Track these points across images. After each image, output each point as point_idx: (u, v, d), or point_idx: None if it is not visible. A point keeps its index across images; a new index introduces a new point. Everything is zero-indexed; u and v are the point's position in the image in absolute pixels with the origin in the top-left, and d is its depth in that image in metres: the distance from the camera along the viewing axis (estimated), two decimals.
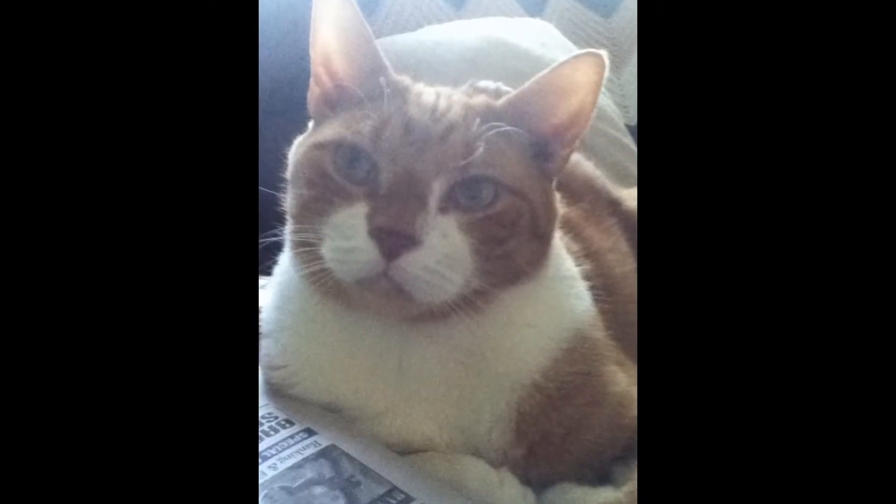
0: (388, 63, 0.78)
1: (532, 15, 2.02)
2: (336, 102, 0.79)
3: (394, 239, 0.66)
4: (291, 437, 0.74)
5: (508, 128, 0.73)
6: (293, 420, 0.76)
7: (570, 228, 0.94)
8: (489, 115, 0.74)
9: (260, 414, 0.77)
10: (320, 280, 0.71)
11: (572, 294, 0.84)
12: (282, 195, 0.79)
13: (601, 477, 0.79)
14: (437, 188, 0.69)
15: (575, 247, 0.92)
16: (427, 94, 0.78)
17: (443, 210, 0.69)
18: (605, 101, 1.81)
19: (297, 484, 0.67)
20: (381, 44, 0.79)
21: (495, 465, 0.78)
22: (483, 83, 0.97)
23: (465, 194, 0.70)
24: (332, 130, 0.75)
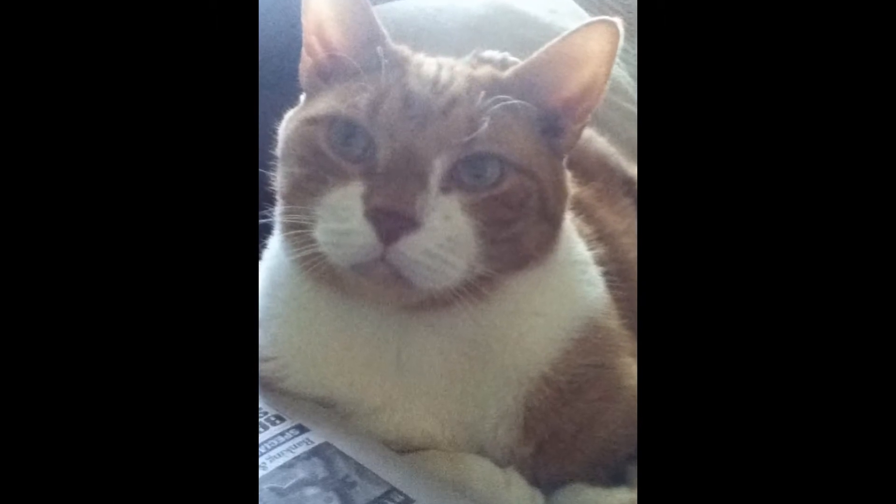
0: (385, 31, 0.78)
1: None
2: (330, 74, 0.78)
3: (392, 221, 0.65)
4: (282, 433, 0.73)
5: (515, 101, 0.72)
6: (283, 416, 0.76)
7: (582, 209, 0.94)
8: (495, 87, 0.74)
9: None
10: (313, 265, 0.71)
11: (584, 280, 0.84)
12: (271, 174, 0.79)
13: (615, 477, 0.79)
14: (439, 166, 0.68)
15: (587, 229, 0.92)
16: (428, 65, 0.78)
17: (445, 190, 0.68)
18: (620, 72, 1.79)
19: (287, 485, 0.67)
20: (379, 10, 0.78)
21: (501, 464, 0.78)
22: (488, 53, 0.97)
23: (469, 173, 0.70)
24: (325, 104, 0.74)
